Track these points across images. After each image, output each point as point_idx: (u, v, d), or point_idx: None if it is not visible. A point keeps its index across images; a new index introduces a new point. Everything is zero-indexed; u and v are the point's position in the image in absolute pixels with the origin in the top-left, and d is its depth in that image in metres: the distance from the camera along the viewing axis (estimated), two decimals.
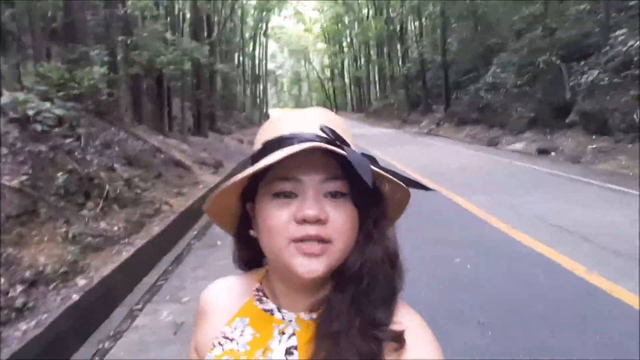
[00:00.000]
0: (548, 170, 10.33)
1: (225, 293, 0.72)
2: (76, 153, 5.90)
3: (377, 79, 43.36)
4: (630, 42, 11.85)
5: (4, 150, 4.76)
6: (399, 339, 0.58)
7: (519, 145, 14.74)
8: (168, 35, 12.07)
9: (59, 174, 5.10)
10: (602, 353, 2.86)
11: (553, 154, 12.64)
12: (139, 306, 4.01)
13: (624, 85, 11.53)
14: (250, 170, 0.58)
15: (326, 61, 59.00)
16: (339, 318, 0.59)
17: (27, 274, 3.70)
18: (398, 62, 34.11)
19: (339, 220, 0.58)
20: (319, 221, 0.57)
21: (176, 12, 18.04)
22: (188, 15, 19.36)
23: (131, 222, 5.96)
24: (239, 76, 31.13)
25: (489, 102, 18.48)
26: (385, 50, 36.96)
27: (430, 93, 27.54)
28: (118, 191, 6.21)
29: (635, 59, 11.46)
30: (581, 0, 15.72)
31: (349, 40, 48.71)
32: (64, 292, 3.71)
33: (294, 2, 45.75)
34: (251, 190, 0.64)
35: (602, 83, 12.15)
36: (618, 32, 12.68)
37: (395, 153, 14.53)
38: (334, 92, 57.75)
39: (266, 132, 0.63)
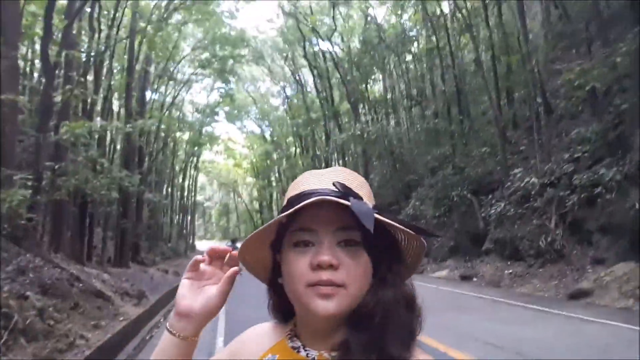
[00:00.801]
0: (473, 294, 10.78)
1: (260, 335, 0.79)
2: None
3: None
4: (526, 179, 13.54)
5: None
6: None
7: (443, 272, 15.39)
8: (104, 162, 12.00)
9: None
10: None
11: (475, 279, 13.31)
12: None
13: (527, 215, 12.87)
14: (271, 221, 0.68)
15: (255, 194, 60.30)
16: (356, 357, 0.63)
17: None
18: None
19: (351, 267, 0.65)
20: (332, 267, 0.64)
21: (107, 141, 18.18)
22: (119, 146, 19.56)
23: (39, 358, 5.29)
24: (167, 207, 30.74)
25: None
26: None
27: None
28: (28, 322, 5.59)
29: (532, 192, 13.00)
30: (482, 145, 18.02)
31: (277, 175, 50.74)
32: None
33: (225, 138, 47.99)
34: (280, 241, 0.71)
35: (508, 214, 13.46)
36: (516, 170, 14.51)
37: None
38: (262, 223, 58.05)
39: (291, 190, 0.73)
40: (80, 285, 8.47)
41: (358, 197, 0.66)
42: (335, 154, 31.63)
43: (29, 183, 8.72)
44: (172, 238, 32.55)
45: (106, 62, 16.50)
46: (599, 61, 10.88)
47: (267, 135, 46.65)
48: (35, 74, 18.21)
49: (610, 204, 9.42)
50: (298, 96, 36.33)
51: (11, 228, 7.41)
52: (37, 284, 6.82)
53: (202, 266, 0.75)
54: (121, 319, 8.18)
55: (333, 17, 27.96)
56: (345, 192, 0.66)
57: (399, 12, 26.51)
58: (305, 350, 0.70)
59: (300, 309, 0.69)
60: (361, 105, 28.44)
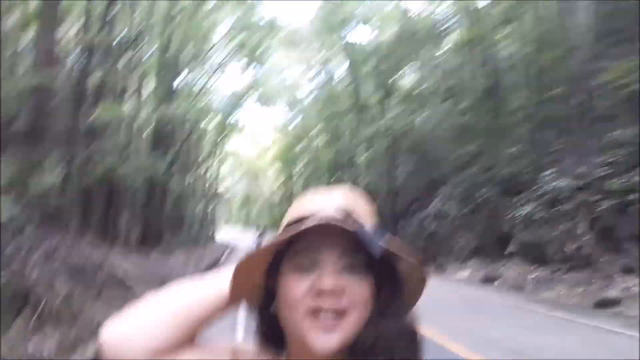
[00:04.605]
0: (496, 297, 10.59)
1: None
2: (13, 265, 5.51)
3: None
4: (557, 181, 13.14)
5: None
6: None
7: (465, 273, 15.16)
8: (131, 147, 12.21)
9: None
10: None
11: (497, 282, 13.05)
12: None
13: (556, 219, 12.51)
14: (269, 243, 0.64)
15: (276, 187, 60.64)
16: None
17: None
18: None
19: (354, 293, 0.62)
20: (334, 293, 0.61)
21: (135, 127, 18.44)
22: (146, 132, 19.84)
23: (64, 344, 5.39)
24: (191, 195, 31.17)
25: (434, 231, 19.27)
26: (337, 176, 38.76)
27: (379, 219, 28.44)
28: (55, 308, 5.73)
29: (563, 195, 12.62)
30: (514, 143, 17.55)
31: (301, 167, 50.82)
32: None
33: (251, 128, 48.24)
34: (277, 265, 0.67)
35: (536, 216, 13.12)
36: (546, 172, 14.09)
37: None
38: (281, 217, 58.31)
39: (292, 210, 0.70)
40: (105, 272, 8.67)
41: (362, 221, 0.64)
42: (364, 147, 31.37)
43: (59, 168, 8.95)
44: (194, 226, 33.01)
45: (141, 45, 16.69)
46: None
47: (294, 124, 46.62)
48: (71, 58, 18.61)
49: None
50: (329, 85, 36.11)
51: (40, 213, 7.60)
52: (65, 269, 6.99)
53: None
54: None
55: (368, 6, 27.57)
56: (350, 215, 0.64)
57: (436, 2, 25.98)
58: None
59: (295, 340, 0.65)
60: (392, 98, 28.07)
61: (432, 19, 26.34)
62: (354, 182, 32.34)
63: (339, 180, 38.54)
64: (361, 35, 29.29)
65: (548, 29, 18.37)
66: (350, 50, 31.29)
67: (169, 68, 20.65)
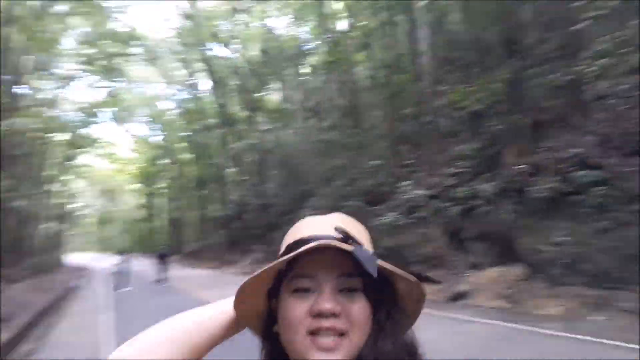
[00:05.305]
0: None
1: None
2: None
3: (196, 219, 43.16)
4: (414, 191, 14.58)
5: None
6: None
7: None
8: None
9: None
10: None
11: None
12: None
13: (415, 224, 13.83)
14: (268, 266, 0.65)
15: (139, 202, 56.77)
16: None
17: None
18: (220, 203, 34.96)
19: (353, 314, 0.64)
20: (333, 314, 0.62)
21: None
22: None
23: None
24: (37, 215, 27.61)
25: None
26: (205, 192, 37.70)
27: (249, 233, 28.39)
28: None
29: (419, 204, 14.02)
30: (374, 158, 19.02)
31: (163, 184, 48.35)
32: None
33: (107, 142, 44.54)
34: (277, 288, 0.69)
35: (398, 223, 14.33)
36: (405, 183, 15.54)
37: (215, 295, 14.13)
38: (148, 233, 54.98)
39: (289, 236, 0.71)
40: None
41: (359, 243, 0.65)
42: (232, 162, 31.07)
43: None
44: (42, 250, 29.22)
45: None
46: (479, 86, 12.19)
47: (157, 139, 44.35)
48: None
49: (486, 214, 10.50)
50: (194, 101, 35.13)
51: None
52: None
53: None
54: None
55: (232, 24, 27.64)
56: (347, 237, 0.65)
57: (299, 24, 27.10)
58: None
59: None
60: (258, 114, 28.40)
61: (297, 39, 27.42)
62: (223, 198, 31.82)
63: (207, 196, 37.55)
64: (226, 51, 28.97)
65: (398, 55, 20.46)
66: (214, 65, 30.95)
67: (8, 72, 18.19)
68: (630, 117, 8.99)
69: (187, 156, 40.82)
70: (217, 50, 29.60)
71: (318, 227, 0.69)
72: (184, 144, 40.55)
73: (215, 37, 28.17)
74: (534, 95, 11.34)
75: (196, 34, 28.64)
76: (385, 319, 0.67)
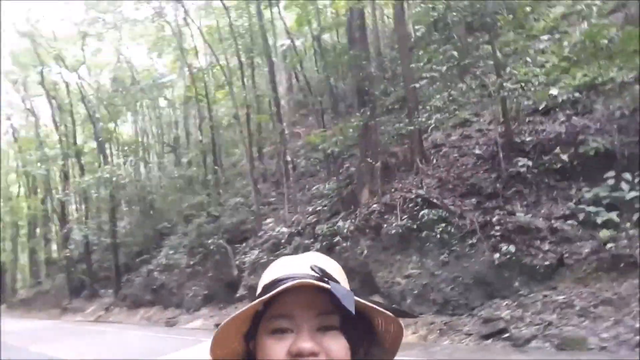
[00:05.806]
0: None
1: None
2: None
3: (26, 262, 37.58)
4: (277, 228, 14.95)
5: None
6: None
7: (197, 322, 15.25)
8: None
9: None
10: None
11: None
12: None
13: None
14: (245, 308, 0.65)
15: None
16: None
17: None
18: (57, 244, 31.04)
19: (332, 352, 0.63)
20: (313, 354, 0.61)
21: None
22: None
23: None
24: None
25: (163, 283, 18.78)
26: (39, 231, 33.25)
27: (96, 277, 25.76)
28: None
29: (282, 241, 14.40)
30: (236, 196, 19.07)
31: None
32: None
33: None
34: (255, 330, 0.69)
35: (262, 261, 14.48)
36: (267, 220, 15.86)
37: (59, 349, 12.60)
38: None
39: (266, 276, 0.72)
40: None
41: (336, 281, 0.65)
42: (77, 197, 28.10)
43: None
44: None
45: None
46: (335, 130, 13.25)
47: None
48: None
49: (346, 250, 11.26)
50: (29, 128, 31.22)
51: None
52: None
53: None
54: None
55: (82, 48, 25.63)
56: (324, 275, 0.65)
57: (156, 55, 26.25)
58: None
59: None
60: (109, 146, 26.44)
61: (154, 71, 26.54)
62: (66, 237, 28.49)
63: (43, 236, 33.21)
64: (73, 76, 26.61)
65: (258, 96, 21.26)
66: (56, 91, 28.14)
67: None
68: (461, 164, 10.66)
69: (17, 190, 35.78)
70: (62, 74, 26.98)
71: (294, 266, 0.69)
72: (14, 176, 35.59)
73: (59, 59, 25.70)
74: (384, 141, 12.72)
75: (34, 54, 25.81)
76: (365, 355, 0.67)
